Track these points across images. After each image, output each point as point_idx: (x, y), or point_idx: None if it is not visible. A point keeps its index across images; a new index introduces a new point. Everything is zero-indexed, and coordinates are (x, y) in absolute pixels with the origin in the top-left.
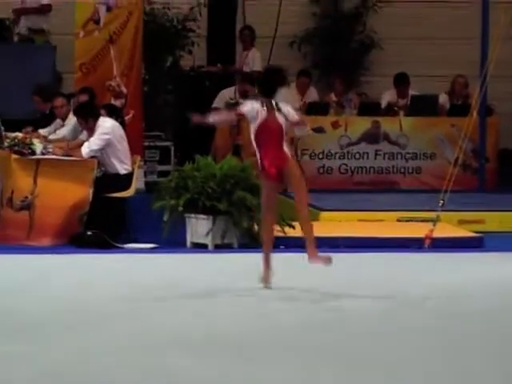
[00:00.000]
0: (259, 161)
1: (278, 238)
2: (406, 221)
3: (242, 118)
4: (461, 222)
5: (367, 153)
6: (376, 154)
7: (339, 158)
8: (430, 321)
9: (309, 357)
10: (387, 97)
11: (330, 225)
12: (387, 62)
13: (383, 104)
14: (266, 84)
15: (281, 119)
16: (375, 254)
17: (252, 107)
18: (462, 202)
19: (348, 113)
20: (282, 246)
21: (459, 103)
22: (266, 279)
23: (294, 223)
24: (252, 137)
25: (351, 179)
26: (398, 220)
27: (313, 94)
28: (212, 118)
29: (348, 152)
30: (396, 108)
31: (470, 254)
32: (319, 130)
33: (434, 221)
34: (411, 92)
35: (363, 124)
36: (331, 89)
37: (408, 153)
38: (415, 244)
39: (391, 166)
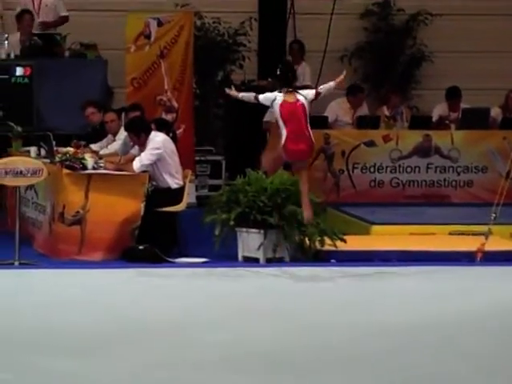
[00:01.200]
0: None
1: (328, 252)
2: (458, 234)
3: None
4: None
5: (419, 166)
6: (427, 168)
7: (390, 172)
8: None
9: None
10: (438, 110)
11: (382, 238)
12: (438, 76)
13: (434, 117)
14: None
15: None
16: (427, 267)
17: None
18: None
19: (399, 126)
20: (333, 260)
21: None
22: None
23: (345, 237)
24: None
25: (403, 193)
26: (450, 233)
27: (363, 108)
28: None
29: (399, 165)
30: (447, 121)
31: None
32: (370, 144)
33: (486, 234)
34: (462, 105)
35: (414, 138)
36: (383, 102)
37: (459, 166)
38: (467, 258)
39: (443, 180)
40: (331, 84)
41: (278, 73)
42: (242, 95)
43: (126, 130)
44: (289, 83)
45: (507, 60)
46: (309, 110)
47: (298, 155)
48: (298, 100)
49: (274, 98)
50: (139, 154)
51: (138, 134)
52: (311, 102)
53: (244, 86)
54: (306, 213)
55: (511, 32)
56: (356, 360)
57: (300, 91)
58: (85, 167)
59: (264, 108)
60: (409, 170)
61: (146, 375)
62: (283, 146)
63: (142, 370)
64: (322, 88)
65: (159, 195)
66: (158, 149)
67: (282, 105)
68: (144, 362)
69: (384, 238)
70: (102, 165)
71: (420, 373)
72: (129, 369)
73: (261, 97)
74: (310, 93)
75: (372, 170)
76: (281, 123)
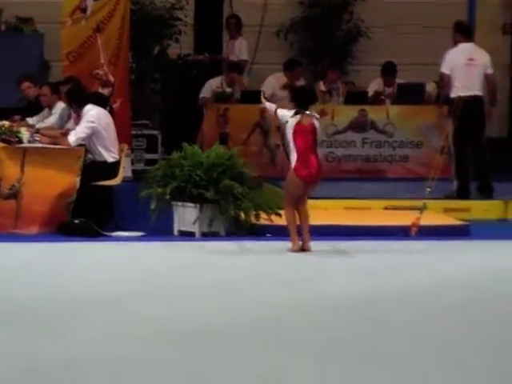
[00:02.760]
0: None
1: (264, 226)
2: (393, 209)
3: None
4: (447, 210)
5: (354, 141)
6: (363, 143)
7: (326, 147)
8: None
9: (293, 348)
10: (374, 85)
11: (318, 213)
12: (374, 51)
13: (370, 93)
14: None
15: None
16: (363, 241)
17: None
18: (448, 189)
19: (335, 101)
20: (268, 234)
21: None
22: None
23: (280, 211)
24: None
25: (338, 167)
26: (385, 208)
27: (300, 83)
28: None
29: (335, 140)
30: (383, 97)
31: (456, 241)
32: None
33: (421, 209)
34: (398, 81)
35: (350, 113)
36: (320, 77)
37: (395, 141)
38: (402, 232)
39: (378, 155)
40: None
41: (294, 96)
42: (269, 105)
43: (68, 98)
44: (305, 106)
45: (442, 35)
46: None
47: (308, 179)
48: (312, 123)
49: (287, 121)
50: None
51: (80, 103)
52: None
53: (180, 60)
54: (306, 244)
55: (446, 7)
56: (288, 336)
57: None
58: (20, 141)
59: (200, 83)
60: (344, 144)
61: (84, 349)
62: (294, 169)
63: (78, 344)
64: None
65: (95, 169)
66: (92, 122)
67: (295, 127)
68: (81, 336)
69: (319, 212)
70: (37, 139)
71: (346, 348)
72: (65, 343)
73: (279, 113)
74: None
75: None
76: (291, 145)
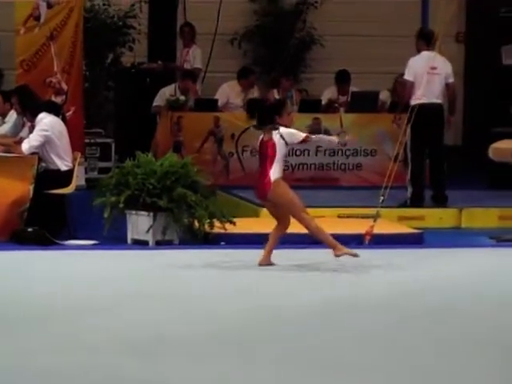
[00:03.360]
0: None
1: (218, 235)
2: (347, 217)
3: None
4: (401, 219)
5: (308, 149)
6: (317, 151)
7: None
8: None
9: (254, 354)
10: (328, 93)
11: (272, 221)
12: (328, 59)
13: (324, 101)
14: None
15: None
16: (316, 250)
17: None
18: (402, 198)
19: (289, 109)
20: (222, 243)
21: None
22: None
23: (234, 220)
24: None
25: (292, 176)
26: (339, 216)
27: (254, 91)
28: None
29: (288, 148)
30: (336, 105)
31: (409, 250)
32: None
33: (375, 217)
34: (352, 89)
35: (304, 121)
36: (273, 86)
37: (348, 149)
38: (355, 240)
39: (332, 163)
40: (330, 139)
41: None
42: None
43: (21, 107)
44: (259, 123)
45: (396, 44)
46: (285, 152)
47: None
48: (270, 139)
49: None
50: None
51: (33, 112)
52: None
53: (134, 68)
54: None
55: (400, 16)
56: (250, 344)
57: (282, 130)
58: None
59: (154, 91)
60: (298, 153)
61: (41, 360)
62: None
63: (35, 354)
64: (316, 137)
65: (48, 177)
66: (45, 130)
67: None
68: (37, 346)
69: (273, 220)
70: None
71: (304, 357)
72: (21, 355)
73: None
74: (296, 135)
75: None
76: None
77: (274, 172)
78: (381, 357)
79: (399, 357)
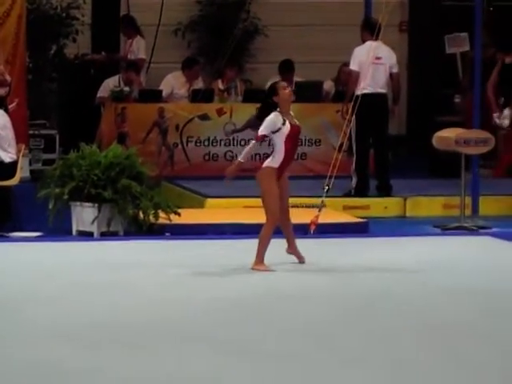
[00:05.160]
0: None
1: (163, 226)
2: (292, 207)
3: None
4: (346, 208)
5: (252, 139)
6: (261, 140)
7: (224, 145)
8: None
9: (191, 345)
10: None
11: (216, 212)
12: (271, 49)
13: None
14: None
15: None
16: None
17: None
18: (347, 187)
19: (233, 100)
20: (167, 234)
21: (345, 89)
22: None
23: (179, 210)
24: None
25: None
26: None
27: (199, 82)
28: (242, 159)
29: (233, 139)
30: None
31: (354, 239)
32: (204, 118)
33: (319, 207)
34: (295, 79)
35: (248, 111)
36: (218, 76)
37: None
38: (300, 230)
39: None
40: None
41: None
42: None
43: None
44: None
45: (339, 33)
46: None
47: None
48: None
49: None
50: None
51: None
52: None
53: (77, 60)
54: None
55: (343, 5)
56: (191, 334)
57: None
58: None
59: (98, 83)
60: (243, 143)
61: None
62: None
63: None
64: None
65: None
66: None
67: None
68: None
69: (218, 211)
70: None
71: (247, 346)
72: None
73: (265, 131)
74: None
75: (206, 143)
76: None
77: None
78: (313, 346)
79: (330, 346)
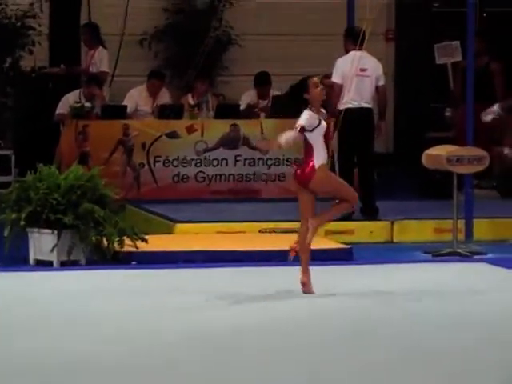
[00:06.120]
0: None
1: (129, 253)
2: (269, 232)
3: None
4: (328, 233)
5: (226, 159)
6: (235, 160)
7: (195, 165)
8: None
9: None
10: (247, 98)
11: (187, 238)
12: (246, 61)
13: (242, 106)
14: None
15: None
16: (236, 268)
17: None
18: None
19: (204, 116)
20: (134, 262)
21: (326, 104)
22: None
23: (146, 237)
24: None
25: (209, 188)
26: (260, 231)
27: (165, 96)
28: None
29: (205, 158)
30: (256, 110)
31: (338, 267)
32: (173, 135)
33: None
34: (273, 92)
35: (221, 128)
36: (187, 90)
37: (270, 158)
38: (279, 257)
39: (252, 173)
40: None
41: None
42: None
43: None
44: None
45: (320, 43)
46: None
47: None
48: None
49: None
50: None
51: None
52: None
53: (34, 73)
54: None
55: (324, 13)
56: (155, 368)
57: None
58: None
59: (57, 98)
60: (215, 163)
61: None
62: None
63: None
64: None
65: None
66: None
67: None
68: None
69: (188, 237)
70: None
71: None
72: None
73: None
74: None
75: (175, 163)
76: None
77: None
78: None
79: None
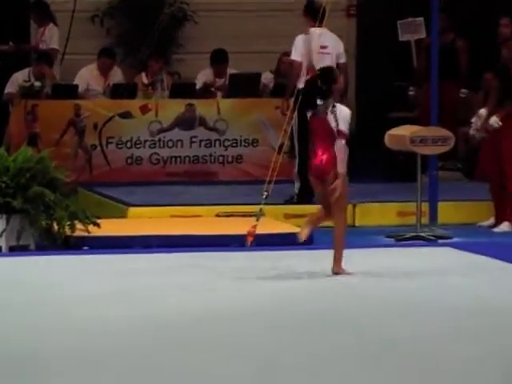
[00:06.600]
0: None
1: (81, 238)
2: (226, 216)
3: None
4: (287, 217)
5: (181, 140)
6: (191, 142)
7: (150, 147)
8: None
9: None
10: (203, 76)
11: (141, 222)
12: (202, 38)
13: (198, 85)
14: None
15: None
16: (192, 253)
17: None
18: (288, 193)
19: (159, 95)
20: (85, 247)
21: (285, 82)
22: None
23: (98, 221)
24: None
25: (163, 170)
26: (218, 215)
27: (117, 75)
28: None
29: (159, 140)
30: (213, 89)
31: (297, 251)
32: (126, 116)
33: (258, 215)
34: (230, 71)
35: (176, 108)
36: (141, 68)
37: (227, 139)
38: (237, 242)
39: (208, 155)
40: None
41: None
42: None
43: None
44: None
45: (279, 20)
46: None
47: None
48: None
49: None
50: None
51: None
52: None
53: None
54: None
55: None
56: (103, 357)
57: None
58: None
59: (5, 77)
60: (170, 144)
61: None
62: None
63: None
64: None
65: None
66: None
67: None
68: None
69: (142, 221)
70: None
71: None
72: None
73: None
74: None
75: (129, 144)
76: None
77: None
78: (232, 367)
79: (272, 369)
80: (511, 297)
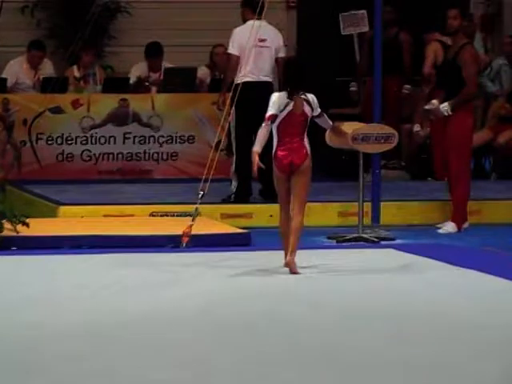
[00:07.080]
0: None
1: (9, 238)
2: (161, 215)
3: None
4: (224, 217)
5: (114, 136)
6: (124, 138)
7: (81, 143)
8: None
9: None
10: (137, 70)
11: (72, 222)
12: (136, 30)
13: (132, 79)
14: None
15: (307, 110)
16: (125, 254)
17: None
18: (225, 192)
19: (91, 90)
20: (14, 248)
21: (221, 77)
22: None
23: (27, 220)
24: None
25: (95, 167)
26: (152, 215)
27: (48, 68)
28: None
29: (92, 136)
30: (147, 83)
31: (234, 253)
32: (57, 111)
33: (193, 215)
34: (165, 64)
35: (109, 103)
36: (73, 62)
37: (162, 136)
38: (171, 242)
39: (142, 152)
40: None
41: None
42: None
43: None
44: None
45: (216, 11)
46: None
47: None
48: (303, 105)
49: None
50: None
51: None
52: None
53: None
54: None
55: None
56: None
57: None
58: None
59: None
60: (103, 140)
61: None
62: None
63: None
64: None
65: None
66: None
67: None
68: None
69: (74, 220)
70: None
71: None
72: None
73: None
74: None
75: (59, 141)
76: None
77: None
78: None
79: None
80: (453, 299)
